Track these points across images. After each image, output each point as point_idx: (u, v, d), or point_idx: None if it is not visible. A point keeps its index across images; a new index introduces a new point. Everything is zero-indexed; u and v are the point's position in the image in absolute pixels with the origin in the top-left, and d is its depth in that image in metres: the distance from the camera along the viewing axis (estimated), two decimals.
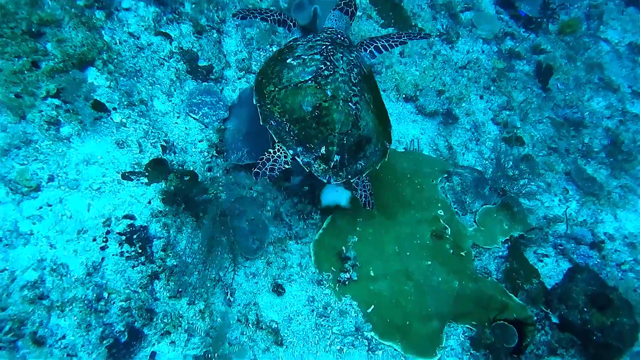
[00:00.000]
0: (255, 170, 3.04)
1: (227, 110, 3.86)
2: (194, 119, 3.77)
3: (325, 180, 3.11)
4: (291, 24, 3.69)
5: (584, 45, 6.18)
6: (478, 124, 5.12)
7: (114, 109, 3.39)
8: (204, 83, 3.93)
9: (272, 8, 3.83)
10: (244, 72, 4.20)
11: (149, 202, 3.23)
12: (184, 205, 3.25)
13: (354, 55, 3.34)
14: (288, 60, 3.22)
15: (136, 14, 3.80)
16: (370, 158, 3.26)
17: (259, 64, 4.28)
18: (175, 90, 3.80)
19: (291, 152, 3.08)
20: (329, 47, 3.26)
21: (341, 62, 3.20)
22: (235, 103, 3.94)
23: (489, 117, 5.25)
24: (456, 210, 4.24)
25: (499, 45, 5.74)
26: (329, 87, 3.07)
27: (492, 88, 5.42)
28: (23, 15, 3.18)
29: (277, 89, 3.12)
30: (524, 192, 4.40)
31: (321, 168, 3.08)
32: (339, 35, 3.50)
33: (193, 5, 4.09)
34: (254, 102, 3.20)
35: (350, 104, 3.10)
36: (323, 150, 3.05)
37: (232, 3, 4.35)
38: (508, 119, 5.26)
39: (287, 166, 3.10)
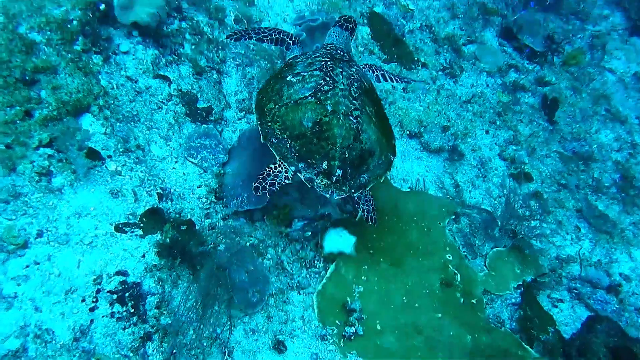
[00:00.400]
0: (255, 184, 3.00)
1: (226, 153, 3.73)
2: (193, 163, 3.64)
3: (327, 196, 3.04)
4: (290, 42, 3.65)
5: (589, 76, 6.10)
6: (484, 159, 4.98)
7: (109, 156, 3.27)
8: (203, 125, 3.82)
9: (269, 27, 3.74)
10: (244, 112, 4.10)
11: (143, 256, 3.06)
12: (180, 258, 3.09)
13: (354, 70, 3.31)
14: (288, 78, 3.19)
15: (134, 56, 3.72)
16: (374, 171, 3.19)
17: None
18: (173, 134, 3.68)
19: (293, 168, 3.03)
20: (329, 63, 3.23)
21: (341, 77, 3.16)
22: (235, 146, 3.81)
23: (496, 153, 5.12)
24: (465, 254, 4.05)
25: (503, 78, 5.66)
26: (329, 102, 3.03)
27: (497, 122, 5.30)
28: (17, 63, 3.10)
29: (277, 106, 3.09)
30: (535, 233, 4.22)
31: (323, 183, 3.02)
32: (339, 51, 3.48)
33: (193, 46, 4.02)
34: (255, 121, 3.11)
35: (351, 117, 3.05)
36: (325, 165, 3.00)
37: (232, 43, 4.29)
38: (515, 154, 5.12)
39: (287, 181, 3.06)
